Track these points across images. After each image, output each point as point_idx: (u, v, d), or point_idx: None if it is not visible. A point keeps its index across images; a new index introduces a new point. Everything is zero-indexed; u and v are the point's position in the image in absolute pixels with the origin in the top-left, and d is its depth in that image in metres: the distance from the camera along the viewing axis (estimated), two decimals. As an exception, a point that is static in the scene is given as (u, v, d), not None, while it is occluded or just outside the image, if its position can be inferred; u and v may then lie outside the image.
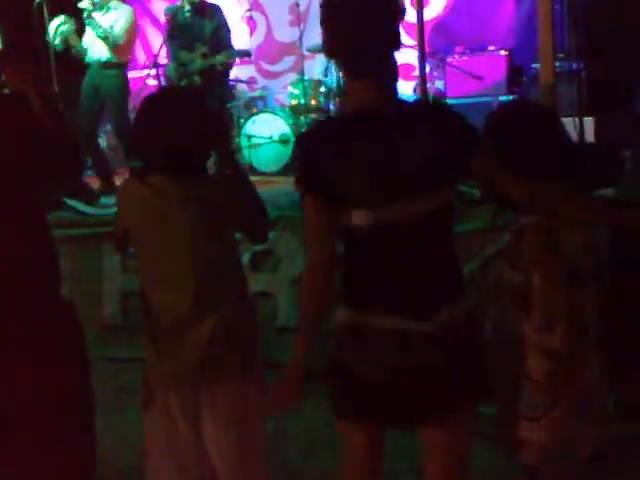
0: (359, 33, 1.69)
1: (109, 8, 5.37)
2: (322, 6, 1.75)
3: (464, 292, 1.84)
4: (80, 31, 5.48)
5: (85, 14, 5.30)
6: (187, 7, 5.56)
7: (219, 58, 5.53)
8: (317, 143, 1.81)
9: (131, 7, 5.61)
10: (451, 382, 1.76)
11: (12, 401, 1.82)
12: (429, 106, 1.87)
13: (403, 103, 1.83)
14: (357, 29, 1.68)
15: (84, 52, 5.45)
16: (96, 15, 5.30)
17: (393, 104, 1.78)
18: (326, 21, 1.74)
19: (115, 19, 5.34)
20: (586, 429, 2.07)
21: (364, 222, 1.74)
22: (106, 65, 5.39)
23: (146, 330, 2.16)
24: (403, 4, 1.76)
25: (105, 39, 5.28)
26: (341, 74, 1.85)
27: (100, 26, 5.25)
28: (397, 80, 1.82)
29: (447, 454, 1.86)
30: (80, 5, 5.30)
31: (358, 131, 1.74)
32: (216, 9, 5.69)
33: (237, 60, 6.04)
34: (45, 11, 5.53)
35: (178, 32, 5.69)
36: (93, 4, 5.28)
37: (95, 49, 5.41)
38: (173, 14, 5.72)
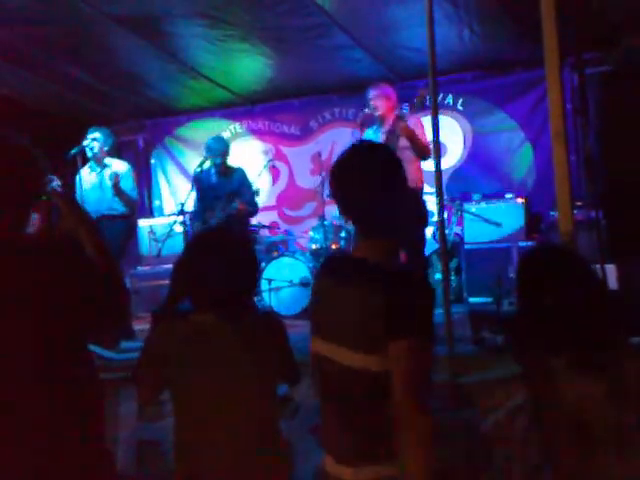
0: (360, 201, 1.82)
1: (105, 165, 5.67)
2: (331, 172, 1.89)
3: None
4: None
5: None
6: (213, 169, 5.92)
7: (234, 205, 5.71)
8: (315, 284, 2.01)
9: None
10: None
11: None
12: (384, 276, 1.77)
13: (379, 269, 1.78)
14: (354, 198, 1.83)
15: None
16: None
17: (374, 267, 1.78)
18: (335, 186, 1.89)
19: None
20: None
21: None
22: None
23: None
24: (427, 213, 1.87)
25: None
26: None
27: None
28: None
29: None
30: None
31: (332, 275, 1.91)
32: (238, 172, 5.97)
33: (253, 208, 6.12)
34: (78, 162, 5.80)
35: (204, 192, 5.95)
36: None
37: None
38: (200, 175, 5.98)
